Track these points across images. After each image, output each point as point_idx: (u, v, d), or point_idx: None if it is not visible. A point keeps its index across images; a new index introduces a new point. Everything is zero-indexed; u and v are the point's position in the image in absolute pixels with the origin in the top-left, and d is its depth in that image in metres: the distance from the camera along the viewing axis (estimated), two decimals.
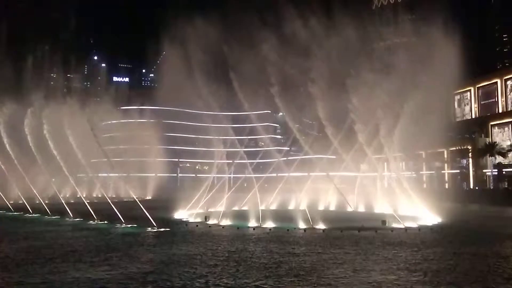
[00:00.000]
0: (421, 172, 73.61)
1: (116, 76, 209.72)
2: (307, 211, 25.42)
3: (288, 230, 22.13)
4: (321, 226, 23.12)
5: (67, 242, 18.34)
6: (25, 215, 32.23)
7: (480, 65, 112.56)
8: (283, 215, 27.61)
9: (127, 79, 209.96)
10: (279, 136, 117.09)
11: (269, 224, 23.88)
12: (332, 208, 36.12)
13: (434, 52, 30.84)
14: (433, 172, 72.38)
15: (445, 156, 71.09)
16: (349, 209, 34.66)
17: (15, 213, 33.94)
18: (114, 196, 51.03)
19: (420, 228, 23.33)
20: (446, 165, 72.07)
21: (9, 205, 36.64)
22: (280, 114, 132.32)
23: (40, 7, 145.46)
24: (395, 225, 23.64)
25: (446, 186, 70.01)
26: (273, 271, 12.46)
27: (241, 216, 27.22)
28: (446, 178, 72.21)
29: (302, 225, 23.54)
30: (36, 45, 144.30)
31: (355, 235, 20.44)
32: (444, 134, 61.99)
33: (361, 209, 34.72)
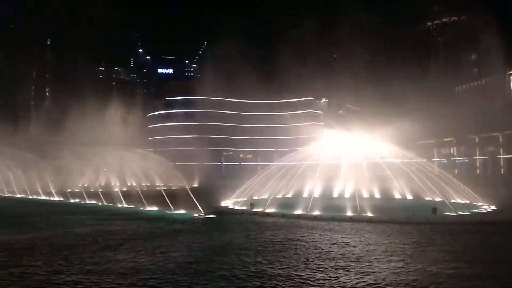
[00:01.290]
0: (474, 158, 70.16)
1: (160, 68, 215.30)
2: (355, 198, 24.98)
3: (333, 218, 21.98)
4: (368, 214, 22.75)
5: (122, 229, 19.32)
6: (83, 203, 34.23)
7: None
8: (328, 203, 27.40)
9: (171, 70, 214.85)
10: (322, 123, 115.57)
11: (315, 212, 23.83)
12: (378, 195, 35.37)
13: (487, 31, 29.02)
14: (487, 157, 68.76)
15: (500, 140, 67.21)
16: (397, 196, 33.80)
17: (72, 201, 36.11)
18: (162, 184, 52.86)
19: (473, 215, 22.37)
20: (501, 149, 68.14)
21: (68, 194, 39.03)
22: (323, 100, 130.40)
23: (88, 5, 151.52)
24: (447, 213, 22.82)
25: (502, 172, 66.32)
26: (322, 261, 12.48)
27: (286, 204, 27.33)
28: (502, 163, 68.34)
29: (348, 212, 23.26)
30: (85, 41, 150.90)
31: (403, 223, 19.98)
32: (499, 116, 58.56)
33: (409, 196, 33.73)
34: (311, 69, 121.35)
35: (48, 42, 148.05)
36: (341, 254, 13.21)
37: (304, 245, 14.62)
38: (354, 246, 14.45)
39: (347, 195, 31.03)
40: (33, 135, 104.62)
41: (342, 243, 15.03)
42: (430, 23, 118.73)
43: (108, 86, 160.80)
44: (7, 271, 11.19)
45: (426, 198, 30.41)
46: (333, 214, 22.87)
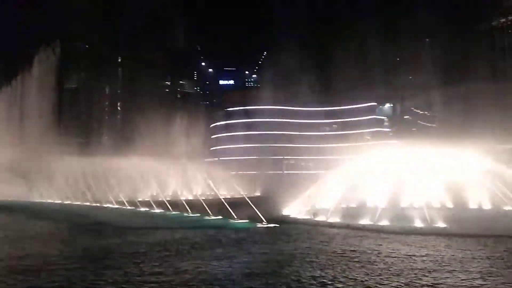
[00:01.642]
0: None
1: (222, 80, 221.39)
2: (424, 209, 23.59)
3: (401, 229, 20.91)
4: (440, 225, 21.33)
5: (188, 237, 19.89)
6: (152, 211, 35.85)
7: None
8: (396, 213, 26.14)
9: (232, 82, 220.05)
10: (387, 129, 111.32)
11: (382, 222, 22.85)
12: (450, 205, 33.12)
13: None
14: None
15: None
16: (471, 206, 31.42)
17: (142, 209, 37.96)
18: (225, 193, 53.86)
19: None
20: None
21: (137, 203, 41.14)
22: (387, 105, 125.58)
23: (154, 20, 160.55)
24: None
25: None
26: (392, 276, 11.90)
27: (350, 213, 26.53)
28: None
29: (418, 223, 21.95)
30: (153, 55, 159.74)
31: (479, 236, 18.49)
32: None
33: (487, 206, 31.18)
34: (372, 73, 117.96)
35: (119, 60, 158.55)
36: (410, 268, 12.50)
37: (371, 258, 14.03)
38: (423, 260, 13.61)
39: (416, 204, 29.43)
40: (105, 146, 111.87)
41: (412, 256, 14.22)
42: (503, 19, 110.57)
43: (173, 99, 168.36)
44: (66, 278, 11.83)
45: (506, 208, 27.98)
46: (401, 224, 21.77)
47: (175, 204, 35.37)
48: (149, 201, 38.65)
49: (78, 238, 20.04)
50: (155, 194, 42.91)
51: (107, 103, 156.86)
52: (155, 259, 14.29)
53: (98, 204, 44.65)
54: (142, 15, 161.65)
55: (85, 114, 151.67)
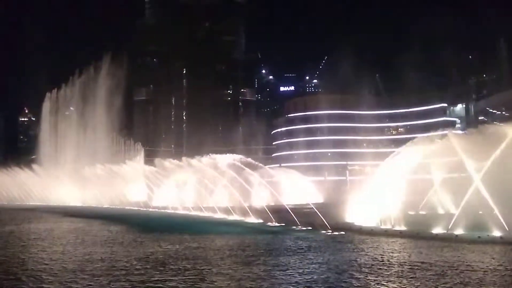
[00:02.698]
0: None
1: (282, 86, 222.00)
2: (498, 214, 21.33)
3: (479, 237, 19.18)
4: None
5: (253, 243, 19.85)
6: (214, 216, 36.50)
7: None
8: (473, 220, 24.05)
9: (292, 88, 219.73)
10: (460, 131, 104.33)
11: (456, 231, 21.11)
12: None
13: None
14: None
15: None
16: None
17: (205, 214, 38.80)
18: (288, 199, 53.38)
19: None
20: None
21: (202, 208, 42.15)
22: (460, 106, 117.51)
23: (215, 32, 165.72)
24: None
25: None
26: None
27: (420, 221, 24.94)
28: None
29: (495, 232, 19.87)
30: (215, 65, 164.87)
31: None
32: None
33: None
34: (443, 73, 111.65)
35: (184, 71, 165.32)
36: (495, 283, 11.30)
37: (449, 271, 12.89)
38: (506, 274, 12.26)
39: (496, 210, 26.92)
40: (172, 154, 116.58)
41: (493, 269, 12.88)
42: None
43: (235, 107, 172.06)
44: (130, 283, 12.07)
45: None
46: (478, 233, 19.95)
47: (238, 210, 35.70)
48: (212, 207, 39.41)
49: (144, 243, 20.79)
50: (217, 201, 43.67)
51: (173, 113, 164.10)
52: (216, 265, 14.36)
53: (165, 210, 46.43)
54: (203, 26, 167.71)
55: (153, 124, 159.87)
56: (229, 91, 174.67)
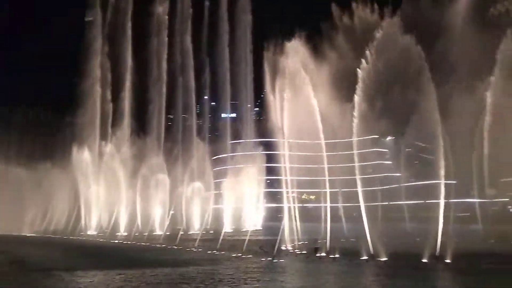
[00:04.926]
0: None
1: (224, 113, 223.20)
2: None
3: (405, 265, 20.28)
4: (447, 259, 20.30)
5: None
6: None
7: None
8: (396, 246, 25.42)
9: (234, 115, 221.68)
10: (389, 162, 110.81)
11: (383, 257, 22.20)
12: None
13: None
14: None
15: None
16: (476, 240, 30.69)
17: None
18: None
19: None
20: None
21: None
22: (389, 138, 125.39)
23: None
24: None
25: None
26: None
27: (351, 247, 25.94)
28: None
29: (424, 259, 21.00)
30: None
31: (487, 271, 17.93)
32: None
33: (491, 239, 30.46)
34: (377, 108, 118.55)
35: None
36: None
37: None
38: None
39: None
40: None
41: None
42: None
43: (177, 134, 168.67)
44: None
45: None
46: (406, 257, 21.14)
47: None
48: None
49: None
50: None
51: None
52: None
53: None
54: None
55: None
56: (170, 116, 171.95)
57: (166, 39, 69.83)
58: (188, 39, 72.27)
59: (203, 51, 75.37)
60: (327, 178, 29.74)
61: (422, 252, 21.59)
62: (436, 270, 18.66)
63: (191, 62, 74.57)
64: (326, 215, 31.44)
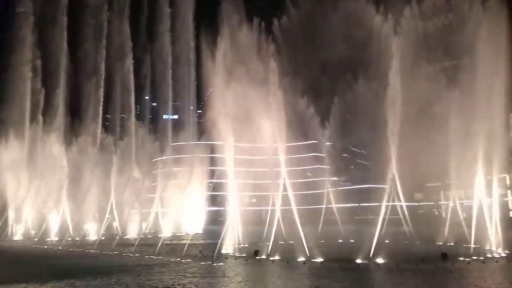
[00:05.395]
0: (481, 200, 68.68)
1: (165, 114, 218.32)
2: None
3: (340, 267, 21.01)
4: (379, 260, 21.56)
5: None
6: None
7: None
8: (331, 248, 26.45)
9: (176, 116, 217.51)
10: (326, 166, 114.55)
11: (319, 258, 22.93)
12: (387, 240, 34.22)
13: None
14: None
15: (507, 182, 66.08)
16: (405, 242, 32.72)
17: None
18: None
19: (485, 261, 21.52)
20: (509, 191, 66.87)
21: None
22: (327, 143, 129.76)
23: None
24: (459, 258, 21.98)
25: (511, 215, 64.65)
26: None
27: (289, 249, 26.47)
28: (510, 206, 66.81)
29: (358, 260, 22.01)
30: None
31: (412, 270, 19.20)
32: (506, 158, 57.62)
33: (417, 240, 32.58)
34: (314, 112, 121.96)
35: None
36: None
37: None
38: None
39: (349, 239, 30.08)
40: None
41: None
42: None
43: (115, 134, 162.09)
44: None
45: None
46: (339, 259, 21.98)
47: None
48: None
49: None
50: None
51: None
52: None
53: None
54: None
55: None
56: (107, 115, 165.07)
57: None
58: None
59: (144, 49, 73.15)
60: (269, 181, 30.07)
61: (356, 253, 22.63)
62: (368, 270, 19.62)
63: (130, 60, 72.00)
64: (266, 218, 31.94)
